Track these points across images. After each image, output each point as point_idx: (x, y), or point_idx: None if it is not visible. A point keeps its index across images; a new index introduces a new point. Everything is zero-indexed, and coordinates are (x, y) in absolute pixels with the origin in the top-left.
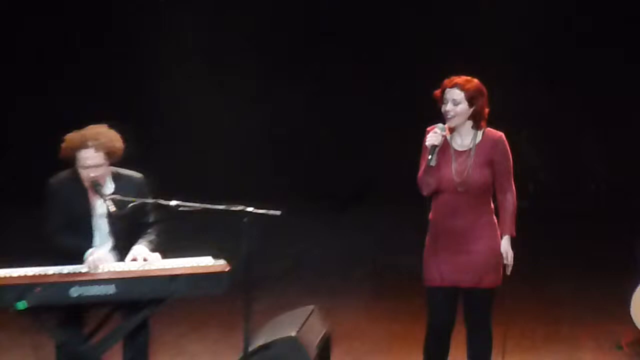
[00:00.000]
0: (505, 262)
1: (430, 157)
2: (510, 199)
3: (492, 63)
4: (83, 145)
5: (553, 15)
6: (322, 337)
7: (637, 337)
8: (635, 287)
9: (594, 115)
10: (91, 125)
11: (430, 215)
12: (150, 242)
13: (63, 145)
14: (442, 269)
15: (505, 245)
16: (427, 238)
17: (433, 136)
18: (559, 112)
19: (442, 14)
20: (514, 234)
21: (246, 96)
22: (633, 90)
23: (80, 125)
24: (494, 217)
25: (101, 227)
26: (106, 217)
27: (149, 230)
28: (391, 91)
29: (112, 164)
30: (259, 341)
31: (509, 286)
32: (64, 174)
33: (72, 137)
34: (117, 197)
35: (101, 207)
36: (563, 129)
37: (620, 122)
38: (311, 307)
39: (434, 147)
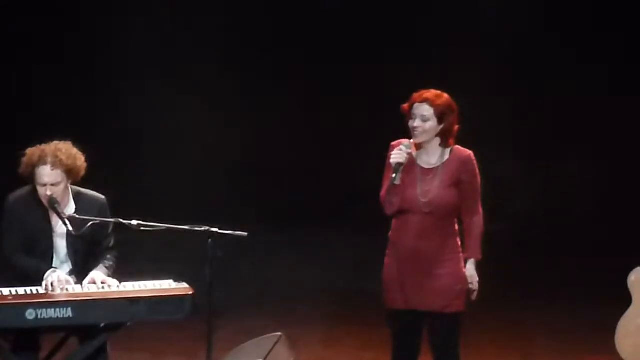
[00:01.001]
0: (470, 287)
1: (394, 175)
2: (477, 222)
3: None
4: (42, 161)
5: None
6: None
7: None
8: (616, 317)
9: None
10: (54, 142)
11: (391, 235)
12: (108, 268)
13: (23, 159)
14: (405, 291)
15: (470, 269)
16: (387, 259)
17: (398, 154)
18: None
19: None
20: (480, 257)
21: (217, 113)
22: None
23: (36, 139)
24: (459, 240)
25: (59, 248)
26: (65, 238)
27: (107, 256)
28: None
29: (73, 183)
30: None
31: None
32: (22, 190)
33: (32, 152)
34: (76, 216)
35: (60, 227)
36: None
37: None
38: (278, 334)
39: (398, 165)
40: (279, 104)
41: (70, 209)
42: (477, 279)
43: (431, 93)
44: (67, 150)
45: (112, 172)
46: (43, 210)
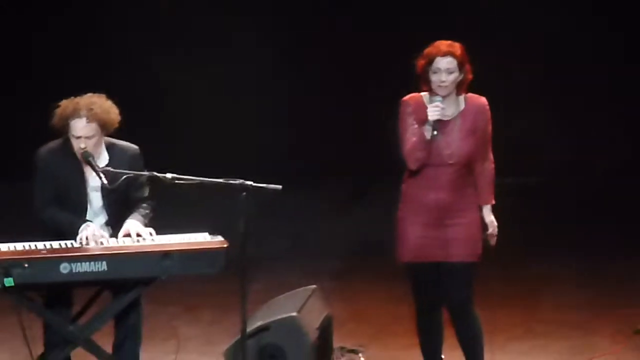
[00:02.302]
0: (490, 231)
1: (434, 132)
2: (488, 168)
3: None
4: (76, 114)
5: None
6: (324, 319)
7: None
8: None
9: None
10: (88, 94)
11: (405, 188)
12: (144, 216)
13: (56, 111)
14: (423, 243)
15: (488, 214)
16: (402, 212)
17: (435, 110)
18: None
19: None
20: (494, 202)
21: (258, 67)
22: None
23: (61, 95)
24: (475, 189)
25: (93, 201)
26: (99, 190)
27: (142, 205)
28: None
29: (106, 136)
30: (258, 322)
31: (514, 267)
32: (54, 143)
33: (65, 104)
34: (110, 169)
35: (94, 180)
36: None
37: None
38: (312, 287)
39: (436, 121)
40: (310, 56)
41: (103, 160)
42: (495, 223)
43: (449, 45)
44: (101, 103)
45: (145, 125)
46: (76, 162)
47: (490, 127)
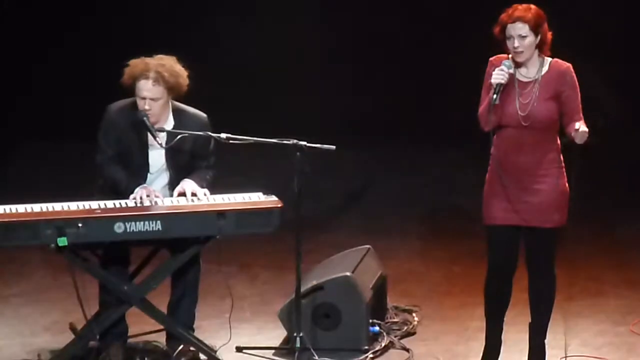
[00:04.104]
0: (580, 127)
1: (494, 95)
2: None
3: None
4: (143, 75)
5: None
6: (378, 278)
7: None
8: None
9: None
10: (159, 55)
11: (492, 151)
12: (202, 178)
13: (126, 69)
14: (505, 206)
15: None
16: (488, 174)
17: (499, 74)
18: None
19: None
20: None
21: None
22: None
23: (106, 61)
24: (560, 155)
25: (156, 161)
26: (164, 152)
27: (205, 170)
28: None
29: (175, 99)
30: (312, 281)
31: (574, 228)
32: (123, 102)
33: (135, 63)
34: (165, 128)
35: (157, 141)
36: None
37: None
38: (366, 247)
39: (499, 85)
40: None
41: (169, 124)
42: (585, 129)
43: (519, 9)
44: (170, 66)
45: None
46: (142, 122)
47: (577, 92)
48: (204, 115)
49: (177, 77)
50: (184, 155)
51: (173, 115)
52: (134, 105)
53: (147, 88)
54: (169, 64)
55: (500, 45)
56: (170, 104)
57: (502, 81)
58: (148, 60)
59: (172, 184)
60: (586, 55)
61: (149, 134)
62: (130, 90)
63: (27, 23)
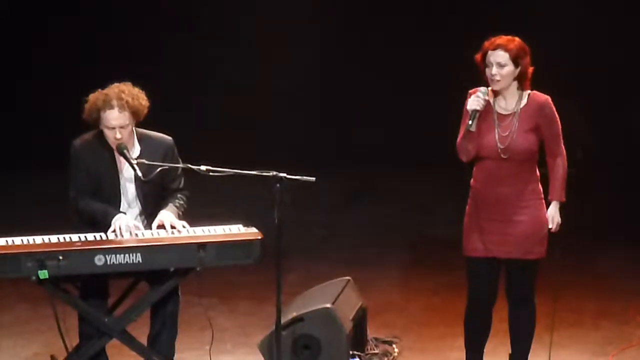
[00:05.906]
0: (550, 226)
1: (470, 122)
2: (560, 164)
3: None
4: (108, 105)
5: None
6: (358, 310)
7: None
8: None
9: None
10: (114, 84)
11: (472, 182)
12: (178, 207)
13: (86, 105)
14: (485, 239)
15: (552, 210)
16: (468, 206)
17: (475, 100)
18: None
19: None
20: (564, 199)
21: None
22: None
23: (81, 88)
24: (539, 186)
25: (127, 192)
26: (133, 181)
27: (177, 195)
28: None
29: (137, 124)
30: (292, 313)
31: (554, 259)
32: (88, 135)
33: (95, 96)
34: (144, 161)
35: (127, 171)
36: None
37: None
38: (346, 278)
39: (475, 111)
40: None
41: (136, 151)
42: (558, 220)
43: (503, 39)
44: (129, 91)
45: (175, 115)
46: (110, 153)
47: (557, 124)
48: (169, 138)
49: (138, 99)
50: (154, 182)
51: (138, 141)
52: (99, 137)
53: (114, 117)
54: (127, 89)
55: (480, 77)
56: (134, 130)
57: (478, 107)
58: (106, 90)
59: (144, 212)
60: (566, 89)
61: (117, 165)
62: (92, 125)
63: None
